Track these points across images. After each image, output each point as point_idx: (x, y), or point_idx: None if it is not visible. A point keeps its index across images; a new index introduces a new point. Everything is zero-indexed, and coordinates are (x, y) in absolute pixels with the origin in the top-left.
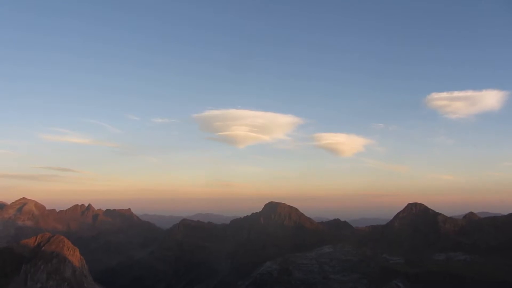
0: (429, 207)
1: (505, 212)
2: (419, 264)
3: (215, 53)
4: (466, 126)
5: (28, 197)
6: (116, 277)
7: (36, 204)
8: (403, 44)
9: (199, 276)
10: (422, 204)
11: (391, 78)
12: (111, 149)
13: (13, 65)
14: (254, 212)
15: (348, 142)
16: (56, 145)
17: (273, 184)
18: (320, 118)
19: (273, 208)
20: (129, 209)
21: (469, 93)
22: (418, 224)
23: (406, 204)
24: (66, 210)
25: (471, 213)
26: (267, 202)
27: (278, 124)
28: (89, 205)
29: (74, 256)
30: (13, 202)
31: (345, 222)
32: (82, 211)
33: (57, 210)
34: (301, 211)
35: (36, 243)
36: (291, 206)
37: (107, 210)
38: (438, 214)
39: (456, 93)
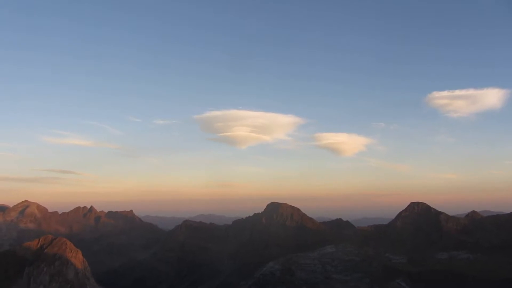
0: (432, 206)
1: (508, 210)
2: (422, 263)
3: (216, 54)
4: (467, 125)
5: (30, 200)
6: (119, 279)
7: (38, 206)
8: (404, 43)
9: (201, 277)
10: (424, 203)
11: (392, 77)
12: (113, 150)
13: (13, 67)
14: (256, 212)
15: (349, 142)
16: (57, 147)
17: (274, 184)
18: (320, 118)
19: (275, 208)
20: (131, 210)
21: (470, 91)
22: (421, 223)
23: (407, 203)
24: (68, 212)
25: (474, 212)
26: (269, 203)
27: (279, 124)
28: (91, 207)
29: (76, 258)
30: (15, 205)
31: (347, 222)
32: (84, 213)
33: (59, 213)
34: (303, 211)
35: (38, 246)
36: (293, 206)
37: (109, 212)
38: (441, 213)
39: (457, 92)
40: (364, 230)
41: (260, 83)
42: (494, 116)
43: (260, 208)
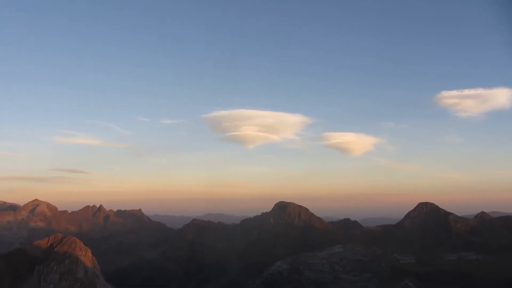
0: (441, 207)
1: None
2: (430, 264)
3: (224, 54)
4: (476, 125)
5: (40, 199)
6: (128, 278)
7: (48, 205)
8: (412, 43)
9: (209, 276)
10: (433, 204)
11: (400, 76)
12: (121, 150)
13: (22, 67)
14: (264, 212)
15: (357, 141)
16: (66, 147)
17: (282, 184)
18: (329, 117)
19: (283, 208)
20: (140, 209)
21: (480, 91)
22: (429, 223)
23: (416, 203)
24: (77, 211)
25: (483, 213)
26: (276, 202)
27: (287, 124)
28: (100, 206)
29: (86, 256)
30: (25, 204)
31: (355, 221)
32: (93, 212)
33: (69, 211)
34: (311, 210)
35: (48, 244)
36: (300, 206)
37: (118, 211)
38: (449, 213)
39: (466, 91)
40: (372, 230)
41: (268, 83)
42: (504, 116)
43: (268, 207)
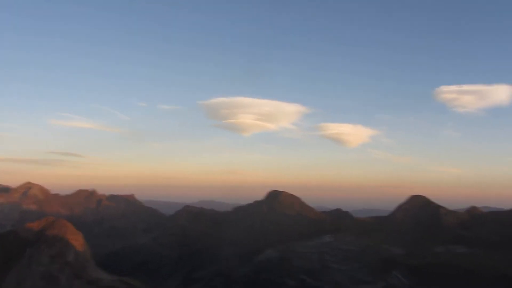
0: (433, 200)
1: (508, 207)
2: (420, 256)
3: (223, 41)
4: (474, 120)
5: (33, 181)
6: (119, 262)
7: (41, 188)
8: (414, 36)
9: (202, 262)
10: (424, 197)
11: (400, 69)
12: (117, 134)
13: (20, 51)
14: (257, 200)
15: (354, 133)
16: (62, 130)
17: (277, 172)
18: (326, 108)
19: (276, 197)
20: (133, 194)
21: (479, 87)
22: (420, 216)
23: (408, 196)
24: (70, 195)
25: (474, 207)
26: (270, 191)
27: (285, 113)
28: (93, 190)
29: (77, 240)
30: (18, 186)
31: (346, 212)
32: (86, 196)
33: (62, 195)
34: (304, 200)
35: (40, 227)
36: (293, 195)
37: (111, 195)
38: (440, 207)
39: (465, 87)
40: (363, 221)
41: (267, 71)
42: (502, 112)
43: (262, 195)
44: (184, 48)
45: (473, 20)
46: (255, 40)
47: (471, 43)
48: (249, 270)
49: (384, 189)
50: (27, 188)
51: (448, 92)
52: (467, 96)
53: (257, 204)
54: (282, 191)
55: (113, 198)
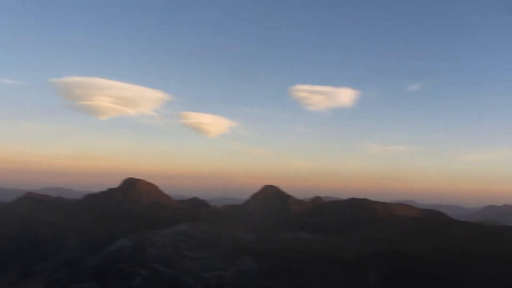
0: (284, 190)
1: (345, 197)
2: (269, 242)
3: (86, 17)
4: (323, 119)
5: None
6: None
7: None
8: (275, 28)
9: (45, 254)
10: (275, 187)
11: (260, 64)
12: None
13: None
14: (112, 187)
15: (214, 123)
16: None
17: (135, 159)
18: (189, 97)
19: (132, 184)
20: None
21: (328, 88)
22: (272, 205)
23: (262, 186)
24: None
25: (318, 197)
26: (126, 178)
27: (145, 99)
28: None
29: None
30: None
31: (203, 200)
32: None
33: None
34: (163, 188)
35: None
36: (151, 183)
37: None
38: (290, 196)
39: (317, 87)
40: (219, 209)
41: (129, 54)
42: (345, 113)
43: (117, 183)
44: (41, 20)
45: (330, 29)
46: (121, 19)
47: (324, 46)
48: (99, 260)
49: (240, 179)
50: None
51: (302, 90)
52: (317, 96)
53: (110, 191)
54: (139, 179)
55: None
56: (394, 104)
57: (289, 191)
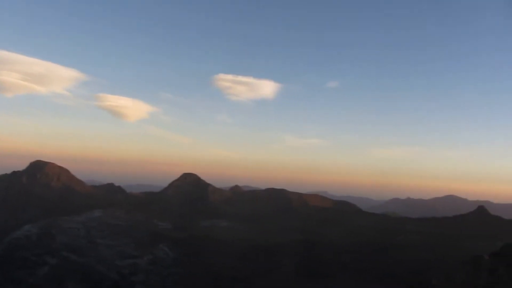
0: (203, 178)
1: (264, 187)
2: (186, 229)
3: None
4: (245, 109)
5: None
6: None
7: None
8: (200, 16)
9: None
10: (195, 175)
11: (183, 50)
12: None
13: None
14: (16, 170)
15: (133, 107)
16: None
17: (44, 141)
18: (107, 78)
19: (40, 168)
20: None
21: (250, 79)
22: (191, 193)
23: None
24: None
25: (237, 186)
26: (33, 161)
27: (58, 77)
28: None
29: None
30: None
31: (119, 187)
32: None
33: None
34: (74, 173)
35: None
36: (61, 167)
37: None
38: (209, 185)
39: (240, 78)
40: (135, 196)
41: (40, 27)
42: (267, 105)
43: (24, 165)
44: None
45: (256, 22)
46: None
47: (250, 36)
48: (1, 248)
49: (159, 165)
50: None
51: (225, 80)
52: (240, 86)
53: (15, 174)
54: (48, 162)
55: None
56: (314, 99)
57: (208, 180)
